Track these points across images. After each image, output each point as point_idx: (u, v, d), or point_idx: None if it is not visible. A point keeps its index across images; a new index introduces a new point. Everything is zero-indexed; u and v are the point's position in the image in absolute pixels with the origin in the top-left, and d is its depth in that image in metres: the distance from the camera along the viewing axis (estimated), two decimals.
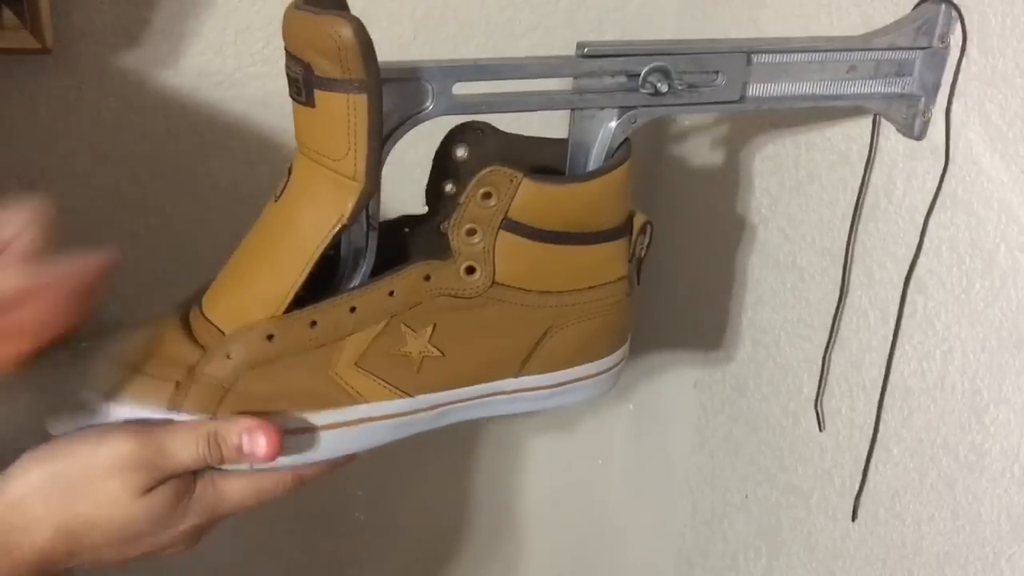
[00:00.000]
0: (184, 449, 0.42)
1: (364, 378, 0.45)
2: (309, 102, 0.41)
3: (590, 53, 0.46)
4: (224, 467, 0.44)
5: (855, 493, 0.61)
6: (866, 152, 0.56)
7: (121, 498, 0.41)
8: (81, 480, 0.40)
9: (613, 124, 0.47)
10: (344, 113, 0.40)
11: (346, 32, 0.39)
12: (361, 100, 0.40)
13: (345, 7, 0.44)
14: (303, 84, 0.41)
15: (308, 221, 0.43)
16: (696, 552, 0.84)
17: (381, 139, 0.41)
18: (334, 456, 0.46)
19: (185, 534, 0.44)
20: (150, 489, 0.41)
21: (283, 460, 0.45)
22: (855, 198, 0.58)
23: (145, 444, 0.41)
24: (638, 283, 0.53)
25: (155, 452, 0.41)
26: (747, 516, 0.75)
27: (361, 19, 0.39)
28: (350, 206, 0.42)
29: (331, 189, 0.42)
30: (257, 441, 0.43)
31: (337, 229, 0.43)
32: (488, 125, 0.49)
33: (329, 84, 0.40)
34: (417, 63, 0.43)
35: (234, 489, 0.45)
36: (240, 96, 0.71)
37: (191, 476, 0.43)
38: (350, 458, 0.48)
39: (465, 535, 0.99)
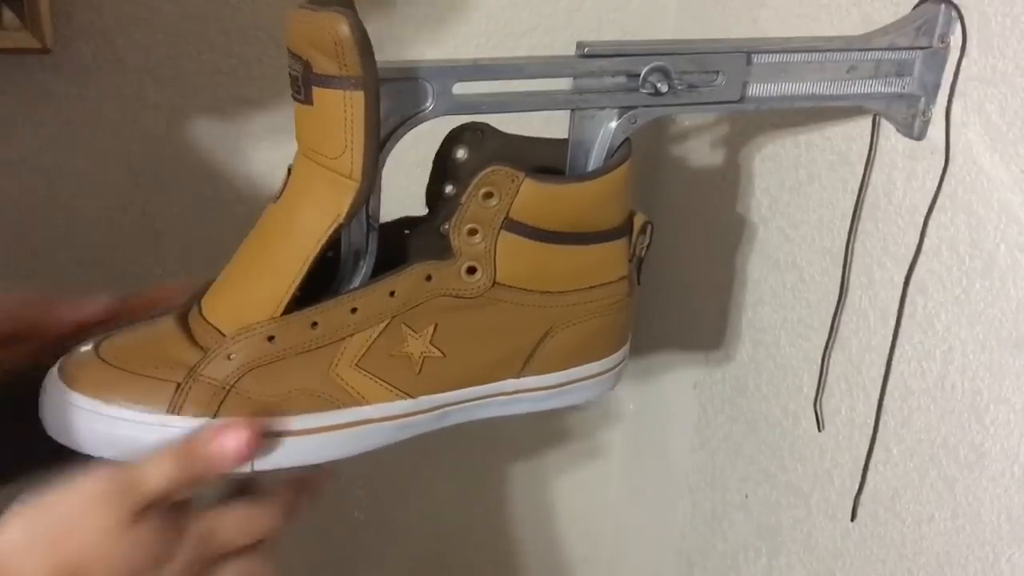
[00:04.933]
0: (155, 469, 0.40)
1: (365, 379, 0.45)
2: (308, 100, 0.41)
3: (590, 53, 0.46)
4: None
5: (855, 493, 0.61)
6: (866, 152, 0.56)
7: (110, 529, 0.39)
8: (61, 524, 0.39)
9: (613, 124, 0.47)
10: (341, 110, 0.40)
11: (343, 28, 0.38)
12: (358, 97, 0.40)
13: (348, 5, 0.44)
14: (302, 82, 0.41)
15: (306, 221, 0.43)
16: (696, 552, 0.84)
17: (378, 137, 0.41)
18: (334, 458, 0.46)
19: (183, 571, 0.41)
20: (136, 520, 0.40)
21: (284, 462, 0.45)
22: (855, 198, 0.58)
23: (115, 474, 0.40)
24: (638, 283, 0.53)
25: (126, 479, 0.40)
26: (747, 516, 0.75)
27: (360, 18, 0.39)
28: (347, 205, 0.42)
29: (328, 188, 0.42)
30: (223, 442, 0.41)
31: (334, 229, 0.42)
32: (488, 125, 0.49)
33: (326, 81, 0.40)
34: (417, 63, 0.43)
35: (225, 520, 0.43)
36: (242, 96, 0.71)
37: (180, 508, 0.42)
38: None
39: (465, 535, 0.99)
